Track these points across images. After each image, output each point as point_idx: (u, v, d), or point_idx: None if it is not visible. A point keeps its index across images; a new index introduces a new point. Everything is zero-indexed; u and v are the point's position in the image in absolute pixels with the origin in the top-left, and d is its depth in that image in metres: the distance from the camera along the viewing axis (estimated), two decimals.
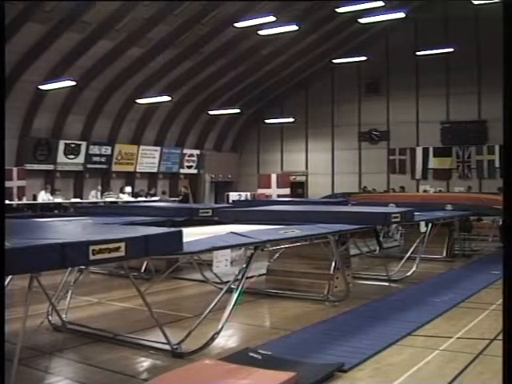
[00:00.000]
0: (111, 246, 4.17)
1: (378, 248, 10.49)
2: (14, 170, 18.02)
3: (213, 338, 5.50)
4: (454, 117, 24.00)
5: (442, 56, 21.57)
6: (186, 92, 23.24)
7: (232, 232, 6.21)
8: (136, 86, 21.07)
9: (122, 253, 4.24)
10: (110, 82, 20.27)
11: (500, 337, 4.92)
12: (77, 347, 5.76)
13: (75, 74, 17.83)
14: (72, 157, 20.76)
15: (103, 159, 21.94)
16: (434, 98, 24.10)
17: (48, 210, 16.64)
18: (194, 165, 26.24)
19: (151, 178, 24.44)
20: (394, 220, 8.66)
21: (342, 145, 26.43)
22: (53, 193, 18.88)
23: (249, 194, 23.41)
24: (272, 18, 15.63)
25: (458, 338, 5.90)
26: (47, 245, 3.90)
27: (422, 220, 9.97)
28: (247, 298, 7.62)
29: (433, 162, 24.56)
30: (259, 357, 5.04)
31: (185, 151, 25.62)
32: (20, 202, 17.52)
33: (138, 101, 21.22)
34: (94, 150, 21.54)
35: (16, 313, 4.88)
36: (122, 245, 4.25)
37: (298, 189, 27.15)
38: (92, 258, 4.03)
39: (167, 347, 5.42)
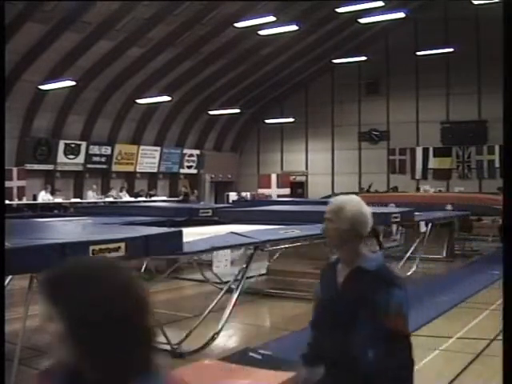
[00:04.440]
0: (111, 246, 4.17)
1: (377, 248, 10.47)
2: (14, 170, 18.01)
3: (213, 338, 5.50)
4: (454, 117, 23.99)
5: (442, 56, 21.58)
6: (186, 92, 23.23)
7: (232, 232, 6.20)
8: (136, 86, 21.06)
9: (121, 253, 4.24)
10: (110, 81, 20.25)
11: (500, 337, 4.92)
12: None
13: (75, 74, 17.81)
14: (72, 157, 20.75)
15: (103, 159, 21.92)
16: (434, 97, 24.09)
17: (48, 209, 16.60)
18: (194, 165, 26.22)
19: (151, 178, 24.42)
20: (393, 220, 8.66)
21: (341, 145, 26.41)
22: (53, 193, 18.86)
23: (249, 193, 23.42)
24: (272, 18, 15.63)
25: (458, 337, 5.90)
26: (47, 245, 3.91)
27: (422, 220, 9.96)
28: (247, 298, 7.62)
29: (433, 162, 24.56)
30: (259, 357, 5.04)
31: (185, 151, 25.60)
32: (20, 202, 17.49)
33: (138, 101, 21.20)
34: (94, 150, 21.53)
35: (16, 313, 4.87)
36: (122, 245, 4.25)
37: (298, 189, 27.14)
38: None
39: (167, 347, 5.41)
